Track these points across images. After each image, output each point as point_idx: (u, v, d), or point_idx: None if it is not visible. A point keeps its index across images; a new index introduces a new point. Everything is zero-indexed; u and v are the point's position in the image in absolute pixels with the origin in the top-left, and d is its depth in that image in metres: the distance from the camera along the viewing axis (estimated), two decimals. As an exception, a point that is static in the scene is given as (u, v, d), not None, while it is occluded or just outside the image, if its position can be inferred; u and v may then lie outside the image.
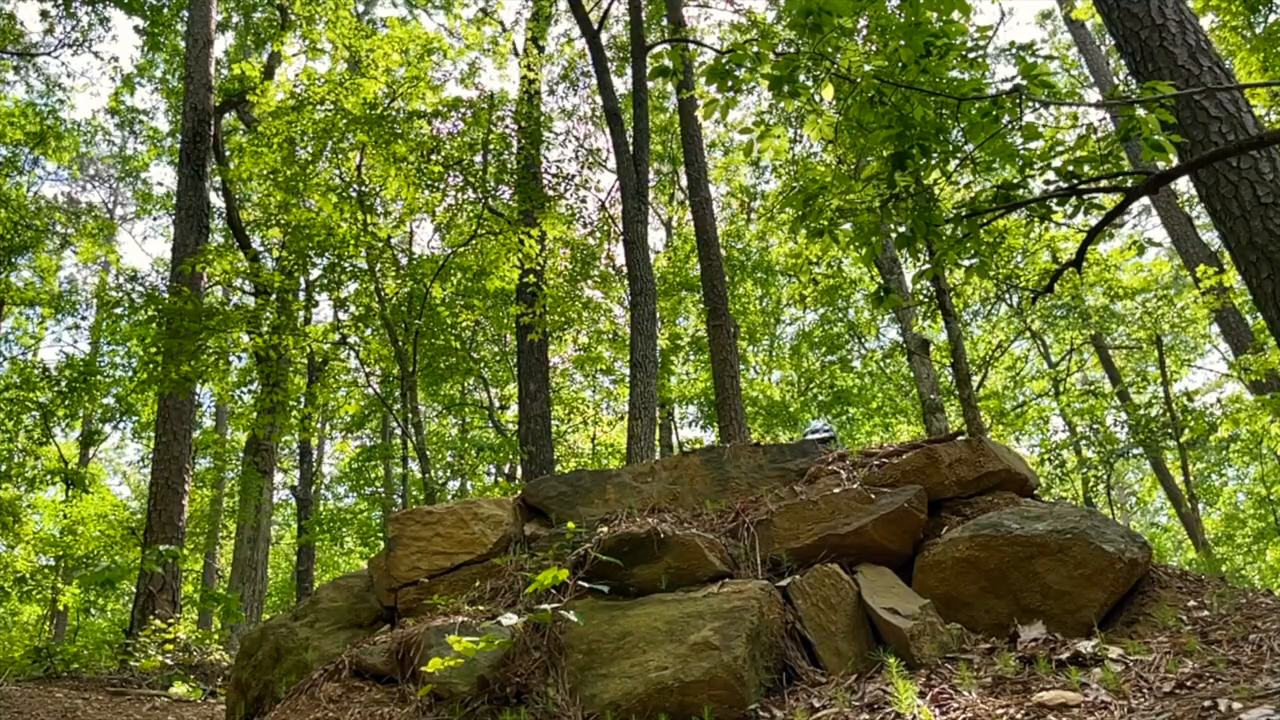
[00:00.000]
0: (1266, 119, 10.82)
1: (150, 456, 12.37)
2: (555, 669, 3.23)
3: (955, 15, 4.00)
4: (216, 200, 15.76)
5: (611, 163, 14.68)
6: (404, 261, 12.57)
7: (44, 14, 16.68)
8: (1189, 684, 2.66)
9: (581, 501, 4.60)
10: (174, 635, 9.03)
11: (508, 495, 5.55)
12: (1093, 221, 4.22)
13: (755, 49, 3.90)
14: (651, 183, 17.62)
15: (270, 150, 11.75)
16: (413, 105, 12.07)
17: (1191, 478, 17.21)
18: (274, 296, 11.92)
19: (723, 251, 14.41)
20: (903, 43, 3.79)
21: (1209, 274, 12.32)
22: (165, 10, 17.36)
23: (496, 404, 18.30)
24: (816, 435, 6.40)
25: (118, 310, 13.54)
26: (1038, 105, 3.96)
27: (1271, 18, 10.81)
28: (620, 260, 17.72)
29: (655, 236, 22.20)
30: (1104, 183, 3.86)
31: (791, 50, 4.05)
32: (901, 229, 4.23)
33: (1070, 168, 3.76)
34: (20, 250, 15.34)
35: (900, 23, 3.84)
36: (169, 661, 8.56)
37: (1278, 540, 20.92)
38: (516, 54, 17.60)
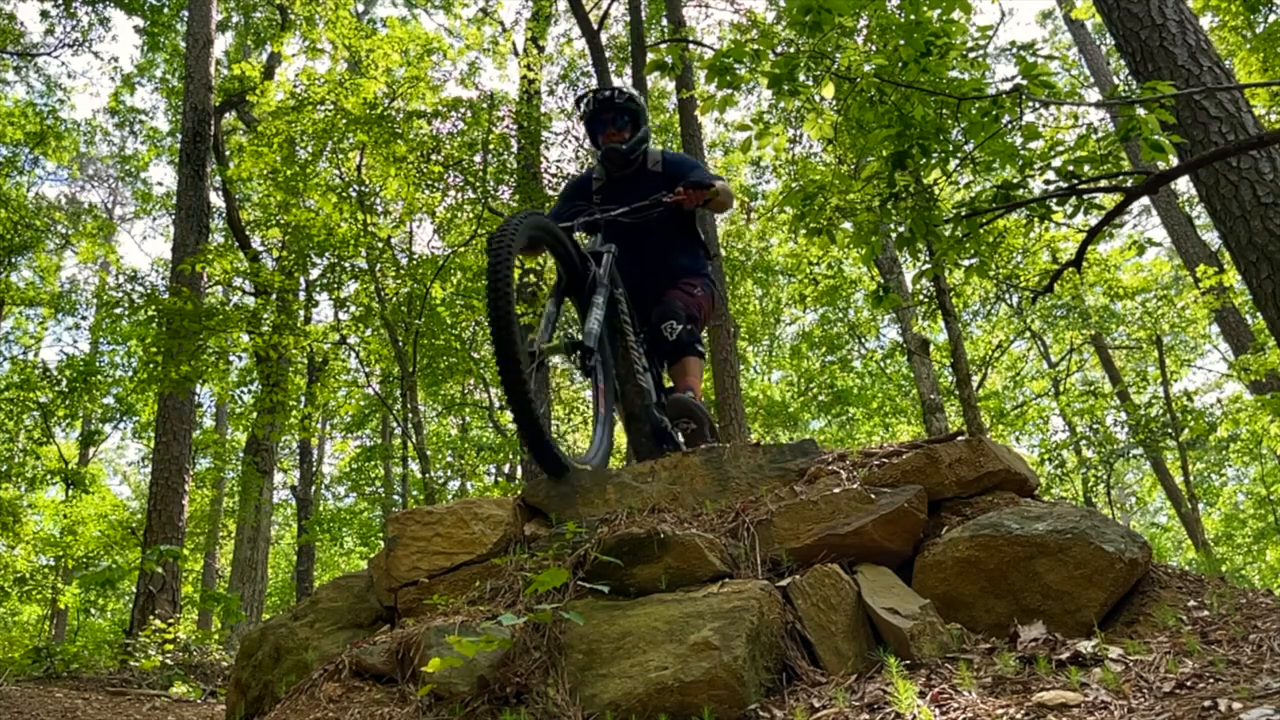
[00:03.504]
0: (1266, 119, 10.81)
1: (150, 456, 12.36)
2: (555, 669, 3.23)
3: (956, 14, 4.00)
4: (216, 200, 15.75)
5: (611, 163, 14.62)
6: (404, 261, 12.58)
7: (44, 14, 16.70)
8: (1189, 684, 2.66)
9: (581, 501, 4.59)
10: (174, 635, 9.01)
11: (508, 495, 5.55)
12: (1093, 221, 4.22)
13: (755, 47, 3.91)
14: (651, 183, 17.56)
15: (270, 150, 11.75)
16: (413, 105, 12.07)
17: (1191, 478, 17.21)
18: (274, 296, 11.92)
19: (723, 251, 14.41)
20: (903, 42, 3.79)
21: (1209, 274, 12.32)
22: (165, 10, 17.37)
23: (496, 404, 18.30)
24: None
25: (118, 310, 13.53)
26: (1038, 105, 3.96)
27: (1271, 18, 10.81)
28: (620, 260, 17.68)
29: (655, 236, 22.12)
30: (1104, 183, 3.86)
31: (791, 49, 4.05)
32: (901, 229, 4.22)
33: (1070, 168, 3.76)
34: (20, 250, 15.35)
35: (900, 22, 3.85)
36: (169, 661, 8.54)
37: (1278, 540, 20.93)
38: (516, 54, 17.60)
